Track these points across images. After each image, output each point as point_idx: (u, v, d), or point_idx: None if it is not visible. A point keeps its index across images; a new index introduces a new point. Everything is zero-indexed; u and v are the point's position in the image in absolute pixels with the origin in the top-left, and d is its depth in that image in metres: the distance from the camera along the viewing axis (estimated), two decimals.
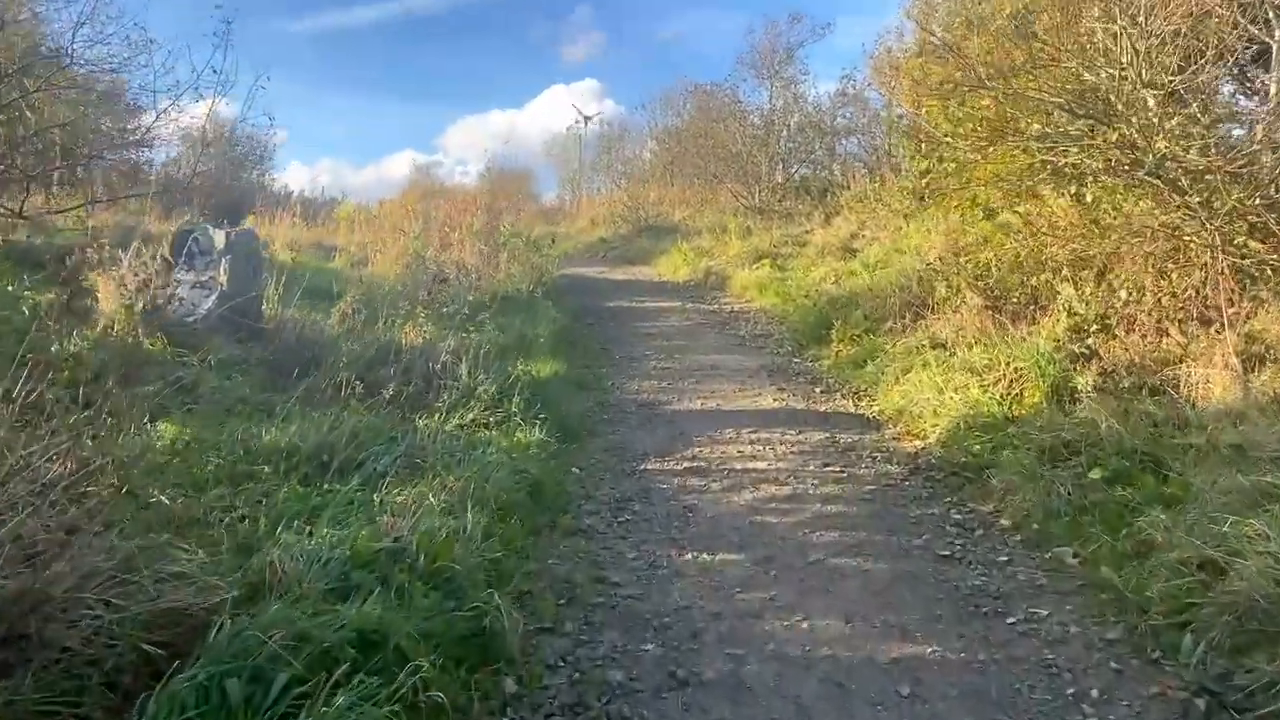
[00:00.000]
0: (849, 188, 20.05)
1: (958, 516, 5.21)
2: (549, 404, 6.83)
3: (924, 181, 10.24)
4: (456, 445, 5.59)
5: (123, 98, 26.22)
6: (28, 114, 7.82)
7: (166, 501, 3.96)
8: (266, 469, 4.95)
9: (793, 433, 6.80)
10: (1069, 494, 4.94)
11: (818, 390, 8.13)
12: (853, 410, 7.51)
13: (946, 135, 8.87)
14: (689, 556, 4.66)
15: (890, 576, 4.39)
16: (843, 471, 5.97)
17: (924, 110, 12.15)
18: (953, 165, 8.21)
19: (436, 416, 6.02)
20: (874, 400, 7.67)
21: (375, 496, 4.69)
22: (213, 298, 6.62)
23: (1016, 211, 8.46)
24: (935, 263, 10.28)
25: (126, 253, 7.85)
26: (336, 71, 53.82)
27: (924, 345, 8.05)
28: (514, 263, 11.91)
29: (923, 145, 10.67)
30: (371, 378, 6.66)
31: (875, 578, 4.39)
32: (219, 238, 6.80)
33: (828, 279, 12.94)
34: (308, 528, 4.02)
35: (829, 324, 9.98)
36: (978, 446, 6.00)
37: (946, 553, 4.68)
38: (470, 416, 6.13)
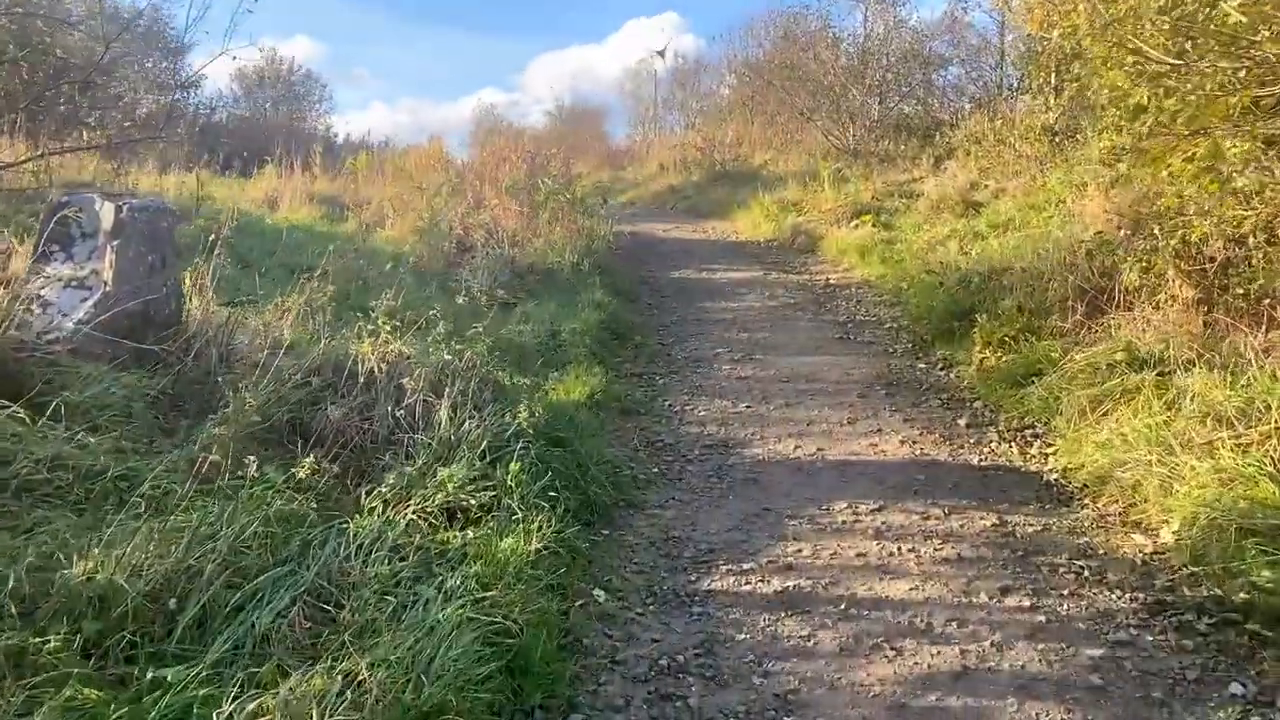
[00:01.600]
0: (956, 126, 17.25)
1: None
2: (569, 457, 4.61)
3: (1140, 126, 7.54)
4: (403, 567, 3.43)
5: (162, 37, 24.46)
6: None
7: None
8: (53, 642, 2.86)
9: (939, 511, 4.44)
10: None
11: (961, 423, 5.71)
12: (1021, 464, 5.09)
13: (1166, 56, 6.20)
14: None
15: None
16: (1034, 608, 3.60)
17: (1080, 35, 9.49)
18: (1179, 105, 5.53)
19: (384, 503, 3.86)
20: (1051, 447, 5.23)
21: (227, 706, 2.64)
22: (90, 302, 4.58)
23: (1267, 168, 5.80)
24: (1112, 233, 7.65)
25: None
26: (420, 4, 51.87)
27: (1119, 360, 5.55)
28: (556, 226, 9.63)
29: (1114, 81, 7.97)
30: (315, 420, 4.56)
31: None
32: (106, 212, 4.70)
33: (949, 243, 10.35)
34: None
35: (963, 312, 7.48)
36: (1267, 573, 3.58)
37: None
38: (439, 498, 3.94)
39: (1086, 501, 4.57)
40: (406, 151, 12.49)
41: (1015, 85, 20.02)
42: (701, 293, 9.67)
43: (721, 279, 10.40)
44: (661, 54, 32.55)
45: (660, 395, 6.33)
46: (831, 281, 10.15)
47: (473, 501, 3.97)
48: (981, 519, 4.37)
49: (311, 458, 3.71)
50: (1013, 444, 5.35)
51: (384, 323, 4.79)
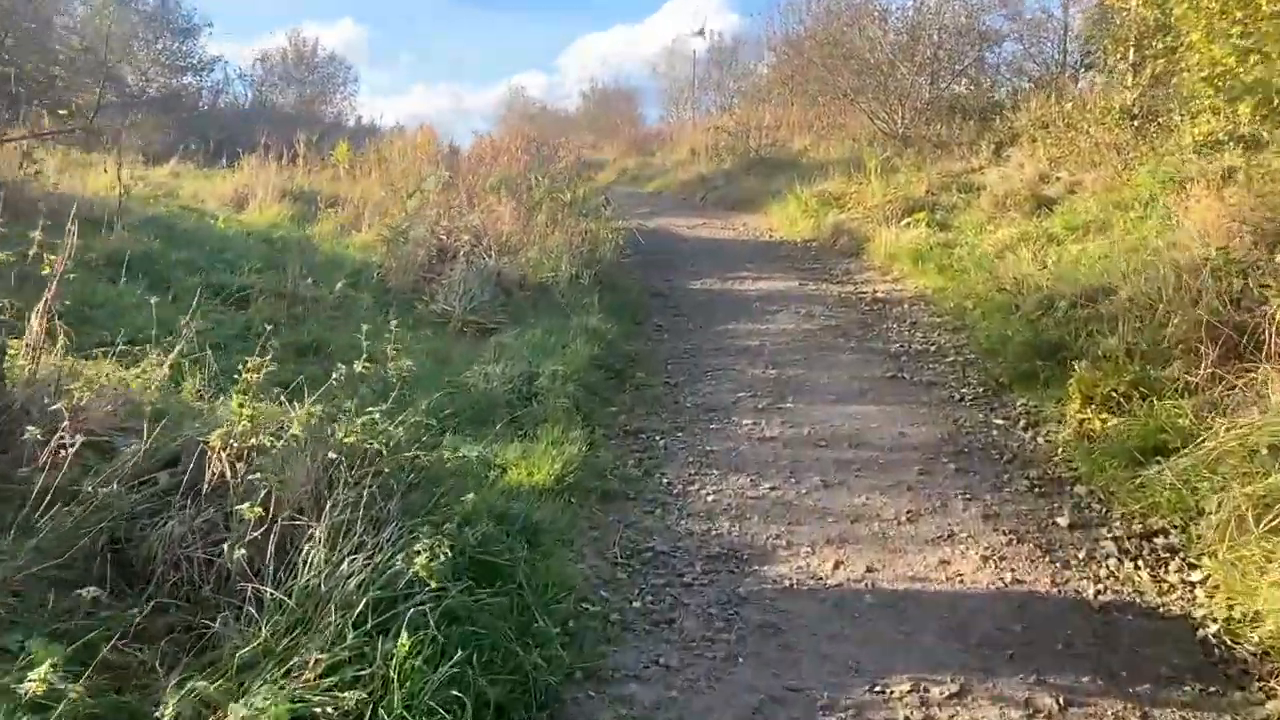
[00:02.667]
0: (1017, 108, 15.53)
1: None
2: (507, 603, 3.19)
3: (1246, 109, 5.91)
4: None
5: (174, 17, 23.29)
6: None
7: None
8: None
9: (1050, 701, 2.94)
10: None
11: (1062, 522, 4.18)
12: (1157, 602, 3.56)
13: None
14: None
15: None
16: None
17: None
18: None
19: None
20: (1198, 571, 3.69)
21: None
22: None
23: None
24: (1241, 249, 6.04)
25: None
26: None
27: None
28: (554, 229, 8.17)
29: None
30: (148, 542, 3.22)
31: None
32: None
33: (1019, 248, 8.76)
34: None
35: (1049, 348, 5.94)
36: None
37: None
38: (277, 711, 2.53)
39: (1276, 686, 3.05)
40: (391, 141, 11.13)
41: (1079, 62, 18.26)
42: (725, 310, 8.16)
43: (750, 291, 8.88)
44: (701, 33, 30.86)
45: (658, 467, 4.87)
46: (880, 295, 8.59)
47: (331, 710, 2.56)
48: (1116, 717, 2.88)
49: (47, 667, 2.30)
50: (1139, 562, 3.83)
51: (242, 405, 3.37)
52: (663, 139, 24.82)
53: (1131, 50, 12.51)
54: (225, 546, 2.96)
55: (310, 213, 9.35)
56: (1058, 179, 11.02)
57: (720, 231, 12.59)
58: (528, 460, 4.47)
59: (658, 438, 5.26)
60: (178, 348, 4.25)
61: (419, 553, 2.89)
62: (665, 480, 4.70)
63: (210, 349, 5.07)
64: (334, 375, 3.70)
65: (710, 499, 4.48)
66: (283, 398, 4.04)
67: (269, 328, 5.69)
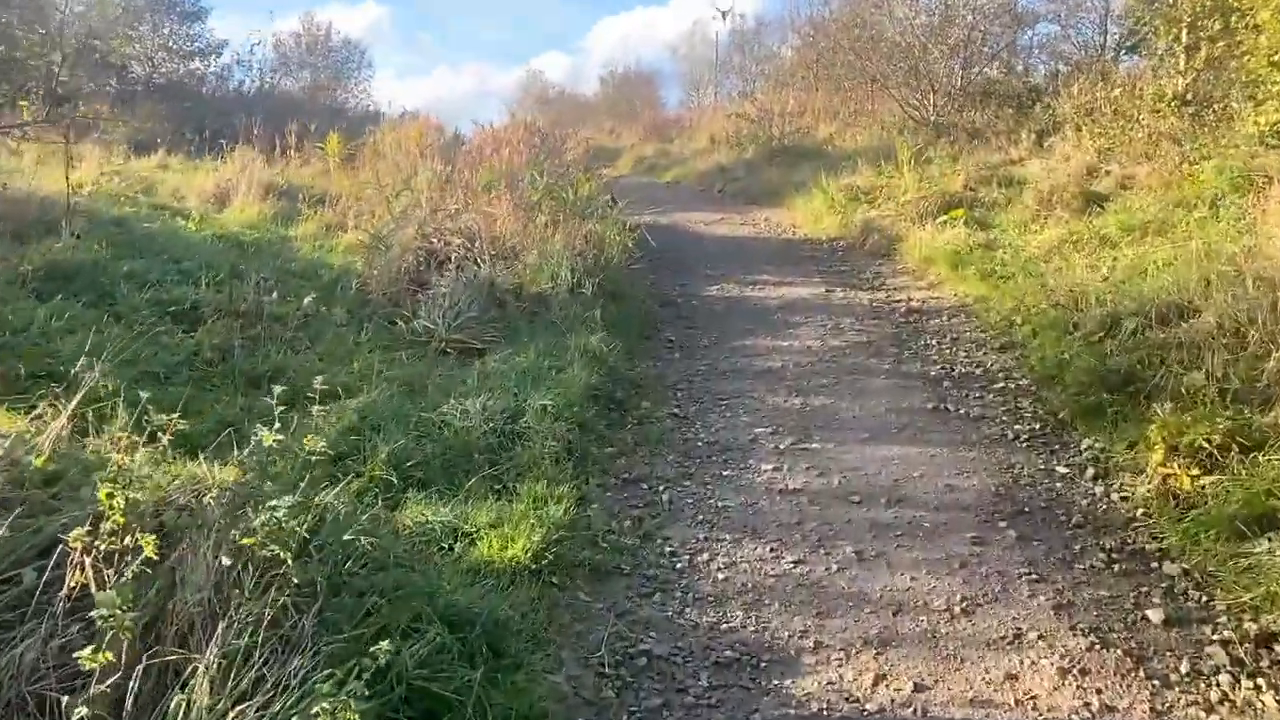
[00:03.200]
0: (1056, 93, 14.64)
1: None
2: None
3: None
4: None
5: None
6: None
7: None
8: None
9: None
10: None
11: (1154, 617, 3.37)
12: None
13: None
14: None
15: None
16: None
17: None
18: None
19: None
20: None
21: None
22: None
23: None
24: None
25: None
26: None
27: None
28: (555, 232, 7.40)
29: None
30: None
31: None
32: None
33: (1069, 251, 7.93)
34: None
35: (1119, 379, 5.12)
36: None
37: None
38: None
39: None
40: (385, 133, 10.33)
41: (1120, 44, 17.22)
42: (742, 322, 7.37)
43: (770, 299, 8.07)
44: (725, 14, 29.84)
45: (660, 529, 4.10)
46: (915, 304, 7.76)
47: None
48: None
49: None
50: (1259, 680, 3.03)
51: (111, 496, 2.63)
52: (682, 125, 23.92)
53: (1185, 31, 11.52)
54: (64, 702, 2.24)
55: (296, 211, 8.61)
56: (1108, 172, 10.13)
57: (739, 228, 11.77)
58: (502, 528, 3.72)
59: (661, 488, 4.49)
60: (83, 389, 3.52)
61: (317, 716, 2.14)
62: (668, 549, 3.94)
63: (144, 380, 4.38)
64: (243, 452, 2.95)
65: (721, 576, 3.72)
66: (205, 457, 3.34)
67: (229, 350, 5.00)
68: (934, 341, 6.75)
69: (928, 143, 14.43)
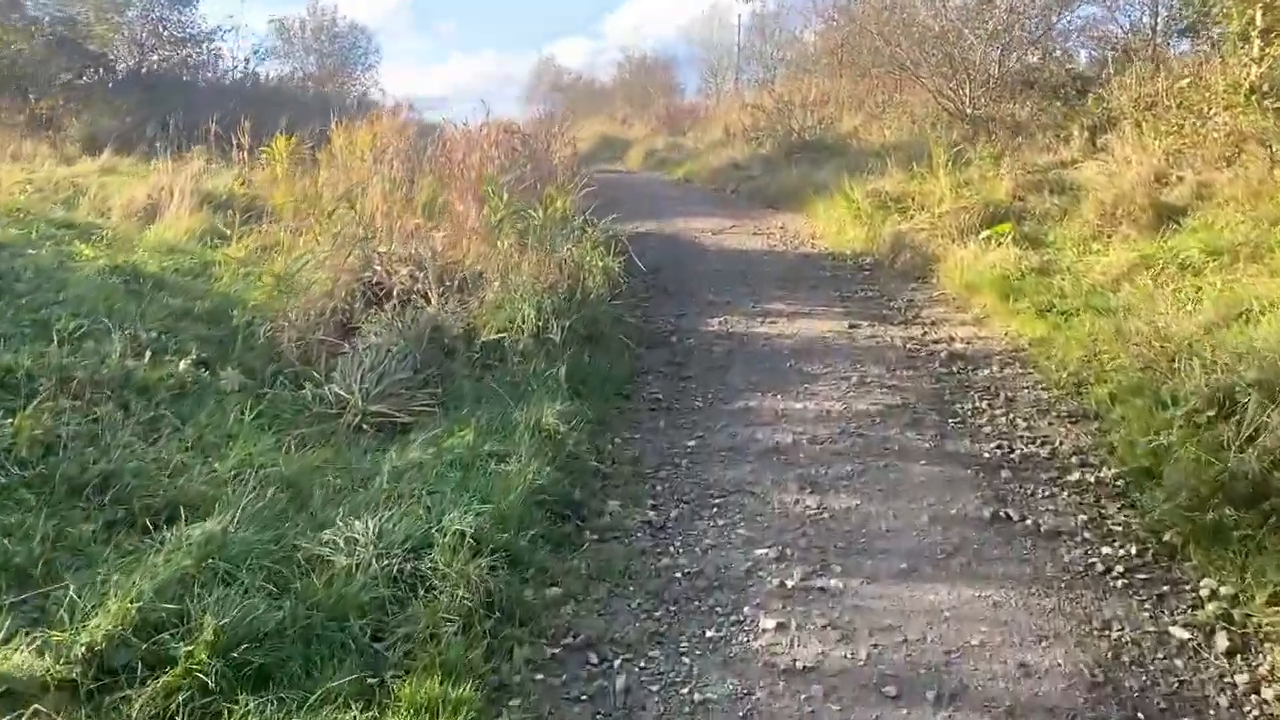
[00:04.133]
0: (1105, 83, 13.18)
1: None
2: None
3: None
4: None
5: None
6: None
7: None
8: None
9: None
10: None
11: None
12: None
13: None
14: None
15: None
16: None
17: None
18: None
19: None
20: None
21: None
22: None
23: None
24: None
25: None
26: None
27: None
28: (523, 258, 6.09)
29: None
30: None
31: None
32: None
33: (1140, 278, 6.59)
34: None
35: (1248, 489, 3.77)
36: None
37: None
38: None
39: None
40: (337, 133, 8.98)
41: (1168, 26, 15.64)
42: (747, 372, 6.04)
43: (783, 338, 6.73)
44: None
45: None
46: (959, 346, 6.41)
47: None
48: None
49: None
50: None
51: None
52: (696, 116, 22.50)
53: (1259, 13, 10.03)
54: None
55: (232, 227, 7.31)
56: (1179, 179, 8.69)
57: (751, 239, 10.41)
58: None
59: (617, 662, 3.20)
60: None
61: None
62: None
63: None
64: None
65: None
66: None
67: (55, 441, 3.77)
68: (984, 403, 5.40)
69: (964, 139, 13.01)
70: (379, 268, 6.17)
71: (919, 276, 8.26)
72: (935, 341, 6.54)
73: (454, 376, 5.21)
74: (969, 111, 14.07)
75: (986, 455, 4.74)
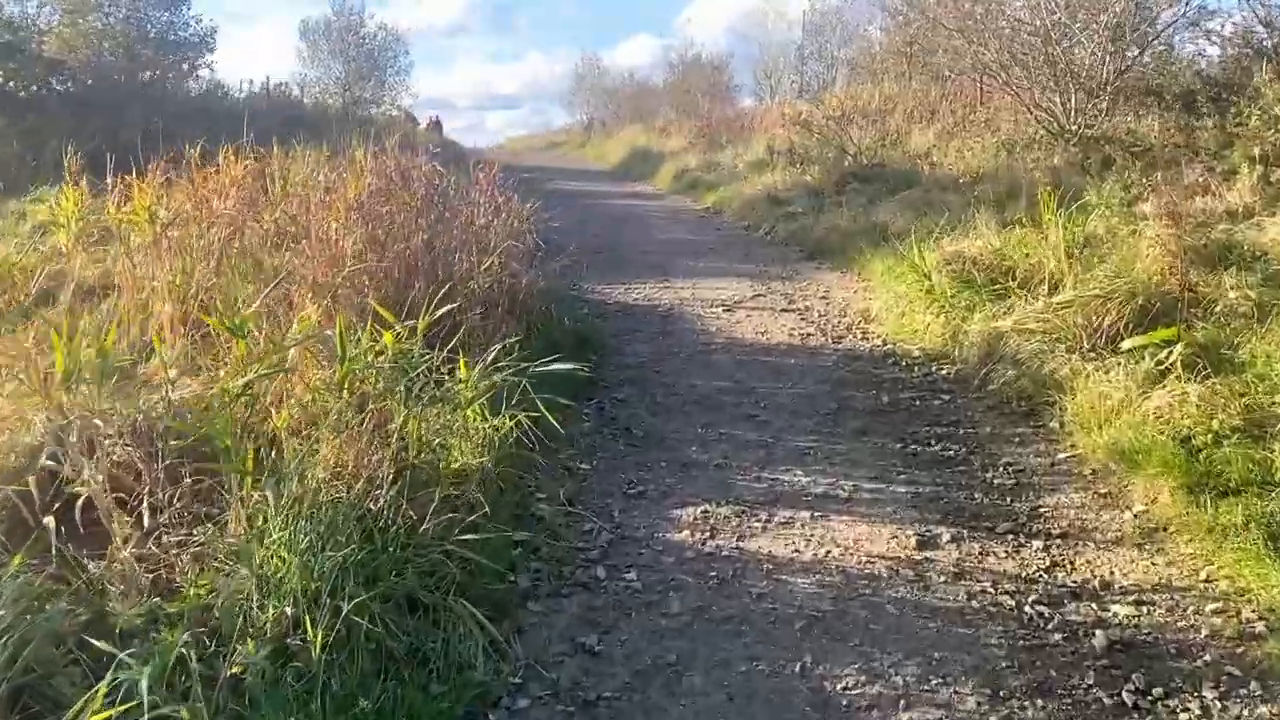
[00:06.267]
0: (1240, 90, 10.08)
1: None
2: None
3: None
4: None
5: None
6: None
7: None
8: None
9: None
10: None
11: None
12: None
13: None
14: None
15: None
16: None
17: None
18: None
19: None
20: None
21: None
22: None
23: None
24: None
25: None
26: None
27: None
28: (350, 444, 3.32)
29: None
30: None
31: None
32: None
33: None
34: None
35: None
36: None
37: None
38: None
39: None
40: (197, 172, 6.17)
41: None
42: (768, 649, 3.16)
43: (797, 582, 3.81)
44: None
45: None
46: (1123, 617, 3.44)
47: None
48: None
49: None
50: None
51: None
52: (740, 126, 19.50)
53: None
54: None
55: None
56: None
57: (779, 321, 7.46)
58: None
59: None
60: None
61: None
62: None
63: None
64: None
65: None
66: None
67: None
68: None
69: (1070, 165, 9.92)
70: (66, 451, 3.45)
71: (1028, 413, 5.27)
72: (1073, 594, 3.57)
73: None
74: (1073, 129, 10.94)
75: None
